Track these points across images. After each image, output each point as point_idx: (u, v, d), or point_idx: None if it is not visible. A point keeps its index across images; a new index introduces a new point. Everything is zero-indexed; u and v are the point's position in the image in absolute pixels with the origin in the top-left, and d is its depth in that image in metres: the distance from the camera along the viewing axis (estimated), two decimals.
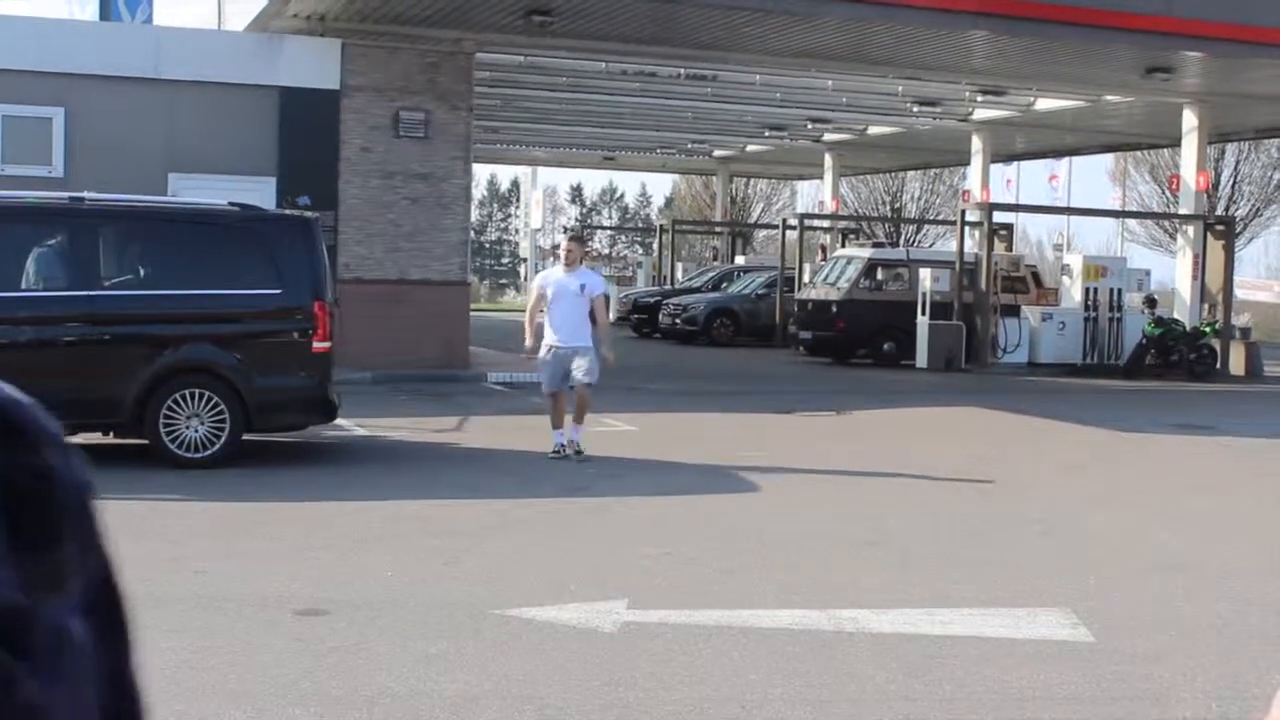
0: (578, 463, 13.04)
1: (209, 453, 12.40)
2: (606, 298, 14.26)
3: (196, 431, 12.39)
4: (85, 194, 12.98)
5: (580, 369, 13.16)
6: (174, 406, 12.33)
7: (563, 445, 13.32)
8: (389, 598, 7.97)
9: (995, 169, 39.00)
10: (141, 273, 12.81)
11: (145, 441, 12.45)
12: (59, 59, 20.74)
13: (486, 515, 10.84)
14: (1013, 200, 41.29)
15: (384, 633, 7.20)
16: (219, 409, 12.43)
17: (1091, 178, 50.40)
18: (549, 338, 13.29)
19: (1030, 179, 45.97)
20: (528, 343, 13.59)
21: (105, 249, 12.60)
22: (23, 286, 12.33)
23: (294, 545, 9.46)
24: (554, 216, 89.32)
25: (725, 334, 34.15)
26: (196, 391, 12.41)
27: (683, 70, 29.37)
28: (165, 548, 9.24)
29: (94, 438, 13.15)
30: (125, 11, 26.36)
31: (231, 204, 13.37)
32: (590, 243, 69.66)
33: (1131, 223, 49.09)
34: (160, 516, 10.36)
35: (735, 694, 6.38)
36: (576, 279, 13.35)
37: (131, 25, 25.24)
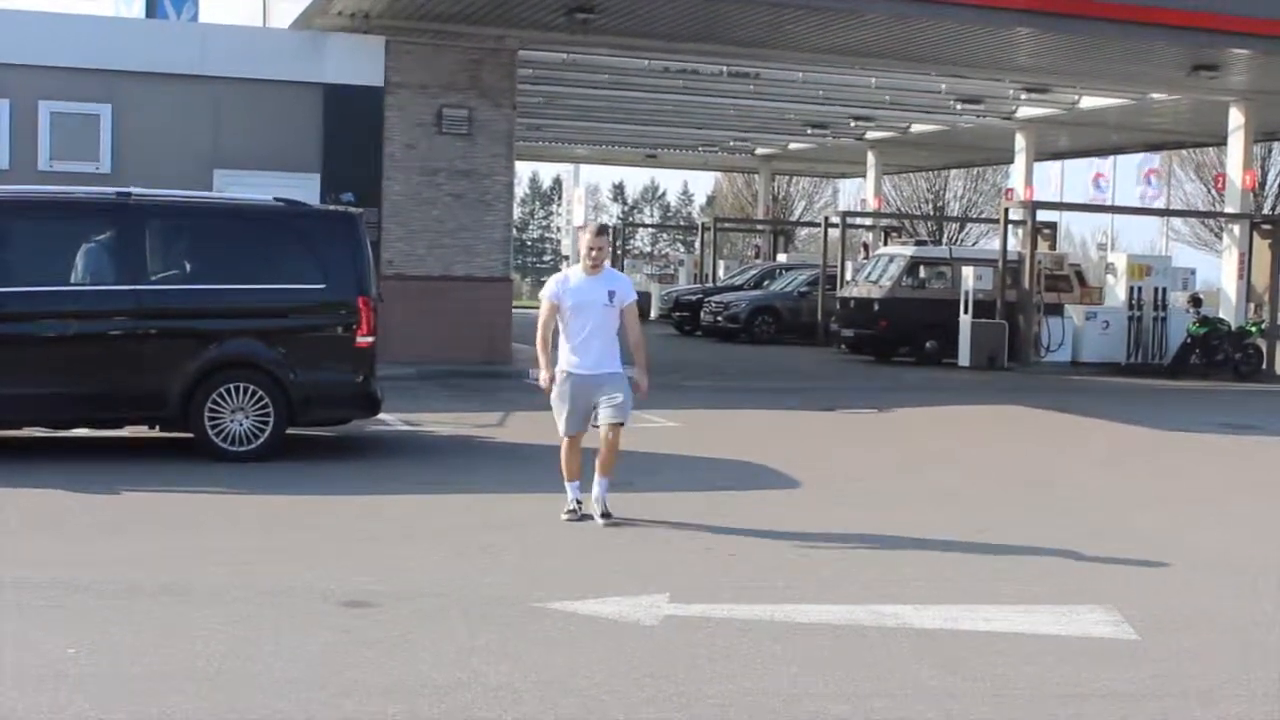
0: (605, 526, 10.07)
1: (253, 446, 12.48)
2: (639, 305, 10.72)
3: (241, 425, 12.47)
4: (132, 189, 13.08)
5: (610, 406, 10.05)
6: (219, 400, 12.42)
7: (579, 502, 10.35)
8: (432, 590, 8.01)
9: (1040, 167, 38.79)
10: (187, 267, 12.89)
11: (190, 435, 12.54)
12: (106, 56, 20.94)
13: (528, 509, 10.88)
14: (1057, 199, 41.06)
15: (427, 624, 7.25)
16: (263, 403, 12.51)
17: (1139, 176, 50.05)
18: (565, 360, 10.17)
19: (1074, 177, 45.86)
20: (543, 375, 10.27)
21: (152, 244, 12.67)
22: (71, 281, 12.44)
23: (338, 538, 9.53)
24: (596, 214, 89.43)
25: (767, 332, 34.11)
26: (241, 385, 12.48)
27: (725, 68, 29.35)
28: (210, 540, 9.32)
29: (139, 431, 13.29)
30: (171, 9, 26.55)
31: (277, 200, 13.45)
32: (633, 240, 67.77)
33: (1176, 221, 48.75)
34: (205, 509, 10.44)
35: (776, 687, 6.39)
36: (603, 285, 10.19)
37: (178, 23, 25.43)
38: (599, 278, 10.24)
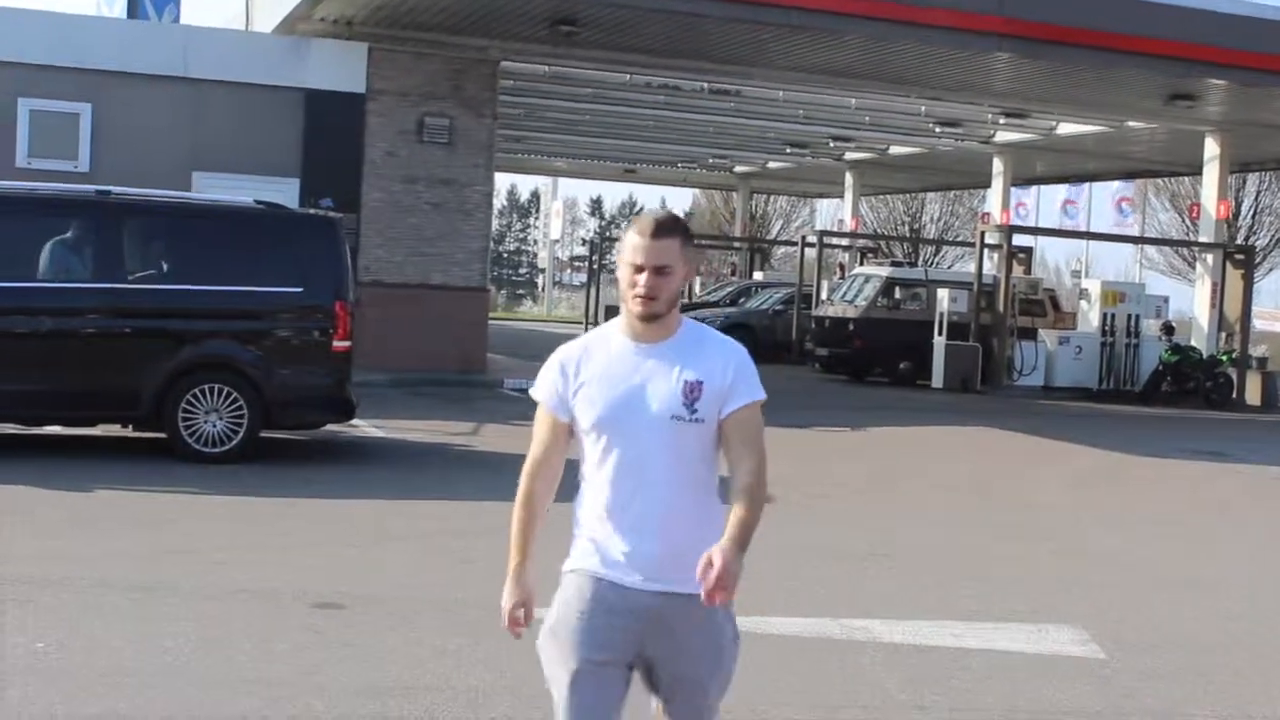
0: None
1: (226, 448, 12.44)
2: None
3: (215, 427, 12.44)
4: (111, 188, 13.05)
5: (690, 695, 4.04)
6: (193, 401, 12.38)
7: None
8: (405, 594, 8.02)
9: (1015, 192, 39.01)
10: (165, 267, 12.85)
11: (163, 435, 12.50)
12: (87, 55, 20.87)
13: (501, 517, 10.83)
14: (1033, 224, 41.28)
15: (399, 628, 7.25)
16: (238, 405, 12.48)
17: (1110, 204, 50.69)
18: (580, 550, 4.29)
19: (1047, 204, 46.30)
20: (505, 596, 4.22)
21: (130, 242, 12.65)
22: (47, 277, 12.39)
23: (311, 541, 9.52)
24: (573, 228, 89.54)
25: None
26: (216, 387, 12.44)
27: (706, 84, 29.42)
28: (182, 540, 9.31)
29: (113, 430, 13.25)
30: (152, 10, 26.52)
31: (257, 202, 13.44)
32: (610, 255, 52.31)
33: (1150, 250, 49.05)
34: (178, 509, 10.42)
35: (746, 697, 6.41)
36: (668, 362, 3.97)
37: (160, 24, 25.40)
38: (664, 346, 4.02)
